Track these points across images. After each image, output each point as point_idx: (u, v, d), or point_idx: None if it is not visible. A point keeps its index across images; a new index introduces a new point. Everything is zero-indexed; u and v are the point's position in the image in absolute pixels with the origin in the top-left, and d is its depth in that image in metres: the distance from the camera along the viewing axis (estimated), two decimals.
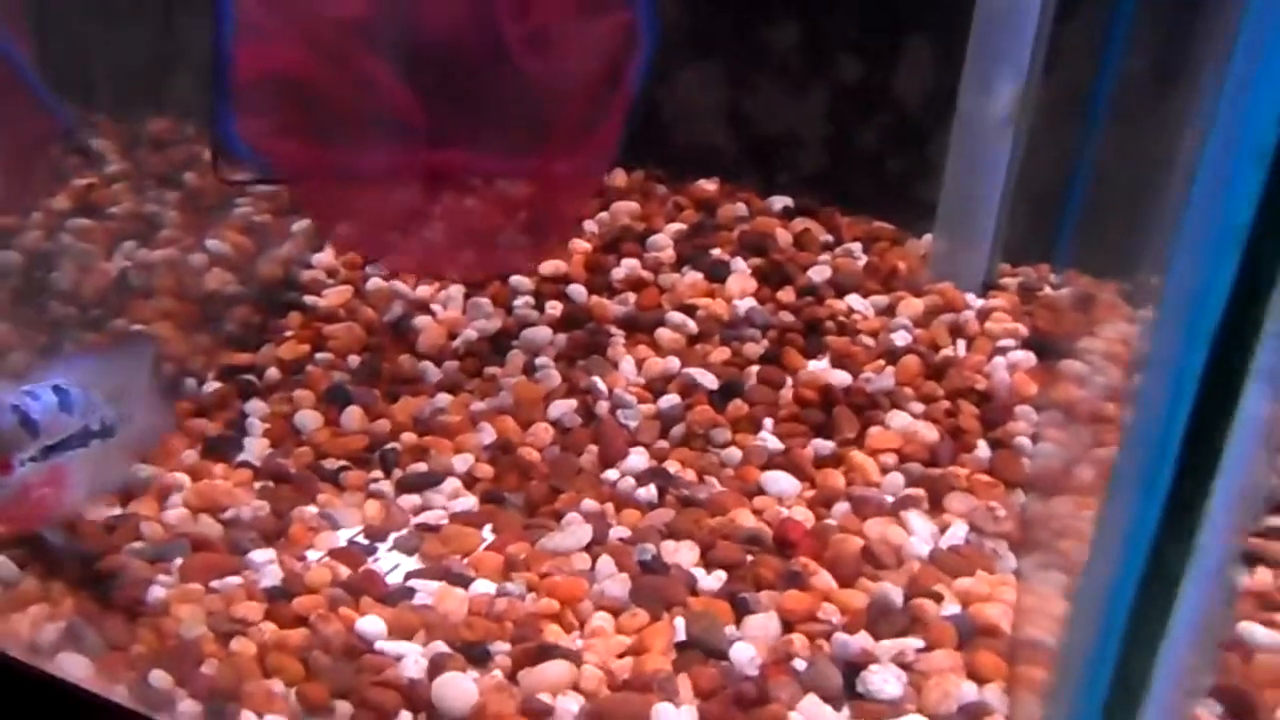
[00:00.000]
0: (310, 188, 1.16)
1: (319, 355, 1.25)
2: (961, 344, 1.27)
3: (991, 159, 1.32)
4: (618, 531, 1.03)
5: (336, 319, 1.30)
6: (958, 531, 1.05)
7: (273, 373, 1.22)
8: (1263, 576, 1.04)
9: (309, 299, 1.32)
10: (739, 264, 1.37)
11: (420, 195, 1.19)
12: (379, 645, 0.87)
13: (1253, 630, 0.96)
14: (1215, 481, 0.43)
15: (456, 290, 1.34)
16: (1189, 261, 0.43)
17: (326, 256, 1.38)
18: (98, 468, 0.89)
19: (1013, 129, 1.30)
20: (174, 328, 1.25)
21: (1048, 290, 1.36)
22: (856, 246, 1.41)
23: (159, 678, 0.83)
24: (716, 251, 1.39)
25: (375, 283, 1.35)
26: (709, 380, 1.22)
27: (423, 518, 1.05)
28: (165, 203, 1.40)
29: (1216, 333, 0.42)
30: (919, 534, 1.04)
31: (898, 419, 1.17)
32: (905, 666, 0.88)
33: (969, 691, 0.86)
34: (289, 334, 1.27)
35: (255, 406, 1.17)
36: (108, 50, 1.45)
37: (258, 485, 1.06)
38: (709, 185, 1.51)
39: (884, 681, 0.86)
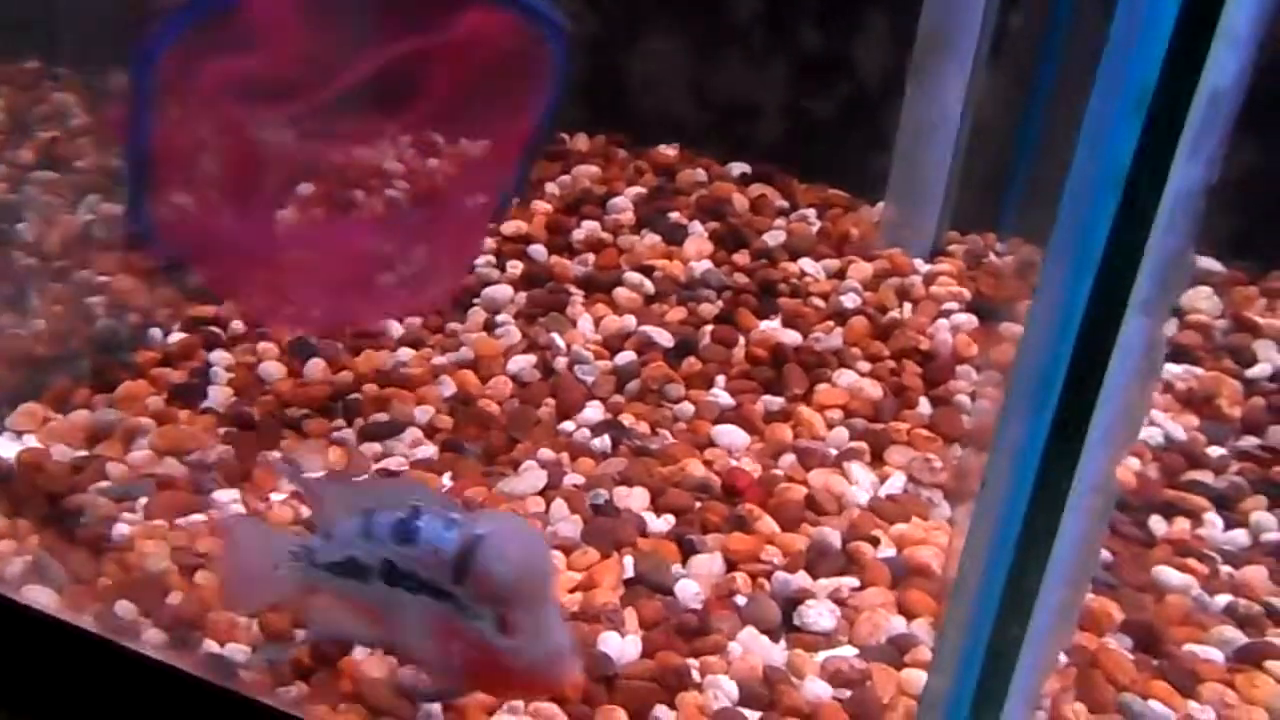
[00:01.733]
0: (211, 266, 1.11)
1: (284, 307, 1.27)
2: (908, 307, 1.32)
3: (941, 131, 1.37)
4: (572, 478, 1.07)
5: None
6: (896, 481, 1.10)
7: (237, 325, 1.24)
8: (1180, 526, 1.10)
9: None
10: (696, 227, 1.41)
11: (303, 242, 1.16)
12: None
13: (1167, 574, 1.02)
14: (1098, 402, 0.47)
15: (421, 250, 1.37)
16: (1077, 201, 0.48)
17: (289, 213, 1.40)
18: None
19: (962, 102, 1.34)
20: (137, 279, 1.26)
21: (992, 257, 1.42)
22: (811, 212, 1.45)
23: (124, 608, 0.86)
24: (675, 215, 1.43)
25: None
26: (665, 338, 1.26)
27: (383, 464, 1.09)
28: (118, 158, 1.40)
29: (1100, 264, 0.46)
30: (860, 483, 1.09)
31: (844, 377, 1.22)
32: (840, 602, 0.92)
33: (898, 625, 0.91)
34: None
35: (220, 357, 1.20)
36: (71, 2, 1.45)
37: (222, 431, 1.09)
38: (669, 151, 1.54)
39: (819, 615, 0.90)
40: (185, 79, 1.00)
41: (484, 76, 1.06)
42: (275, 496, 1.01)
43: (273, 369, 1.19)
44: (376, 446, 1.11)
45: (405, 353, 1.24)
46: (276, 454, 1.07)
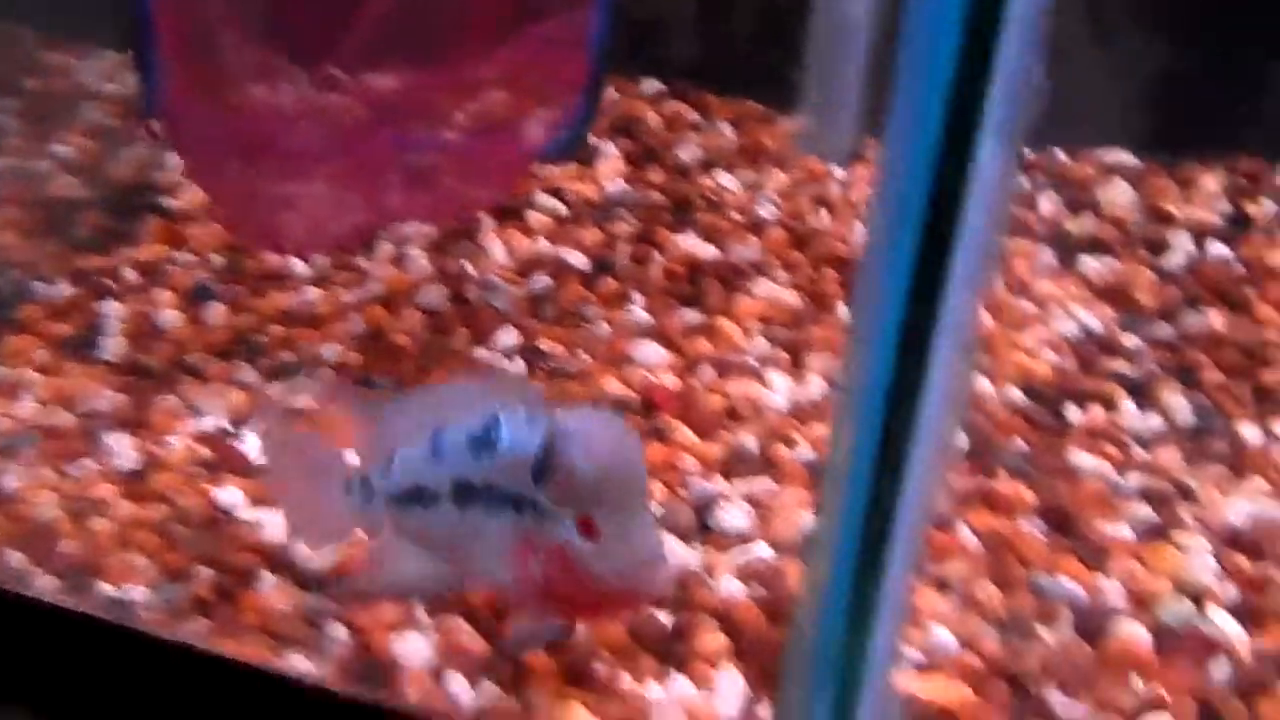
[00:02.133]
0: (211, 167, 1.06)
1: (179, 256, 1.23)
2: (825, 214, 1.31)
3: (851, 38, 1.34)
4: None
5: (196, 219, 1.28)
6: (816, 386, 1.09)
7: (130, 275, 1.20)
8: (1095, 413, 1.11)
9: (166, 201, 1.29)
10: (609, 147, 1.38)
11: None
12: (240, 514, 0.88)
13: (1081, 459, 1.03)
14: (955, 236, 0.46)
15: (321, 186, 1.32)
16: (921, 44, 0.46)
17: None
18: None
19: (869, 7, 1.32)
20: (19, 235, 1.21)
21: None
22: (726, 126, 1.43)
23: (15, 558, 0.83)
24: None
25: None
26: (580, 260, 1.23)
27: (291, 403, 1.06)
28: (5, 110, 1.34)
29: (950, 90, 0.44)
30: (778, 390, 1.08)
31: (763, 287, 1.21)
32: (756, 503, 0.92)
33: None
34: (146, 237, 1.25)
35: (112, 308, 1.15)
36: None
37: (116, 380, 1.05)
38: None
39: (732, 516, 0.90)
40: None
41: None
42: (173, 440, 0.98)
43: (170, 317, 1.15)
44: (282, 386, 1.08)
45: (311, 292, 1.20)
46: (175, 399, 1.04)
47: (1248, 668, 0.79)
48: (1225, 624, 0.83)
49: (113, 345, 1.10)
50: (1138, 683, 0.78)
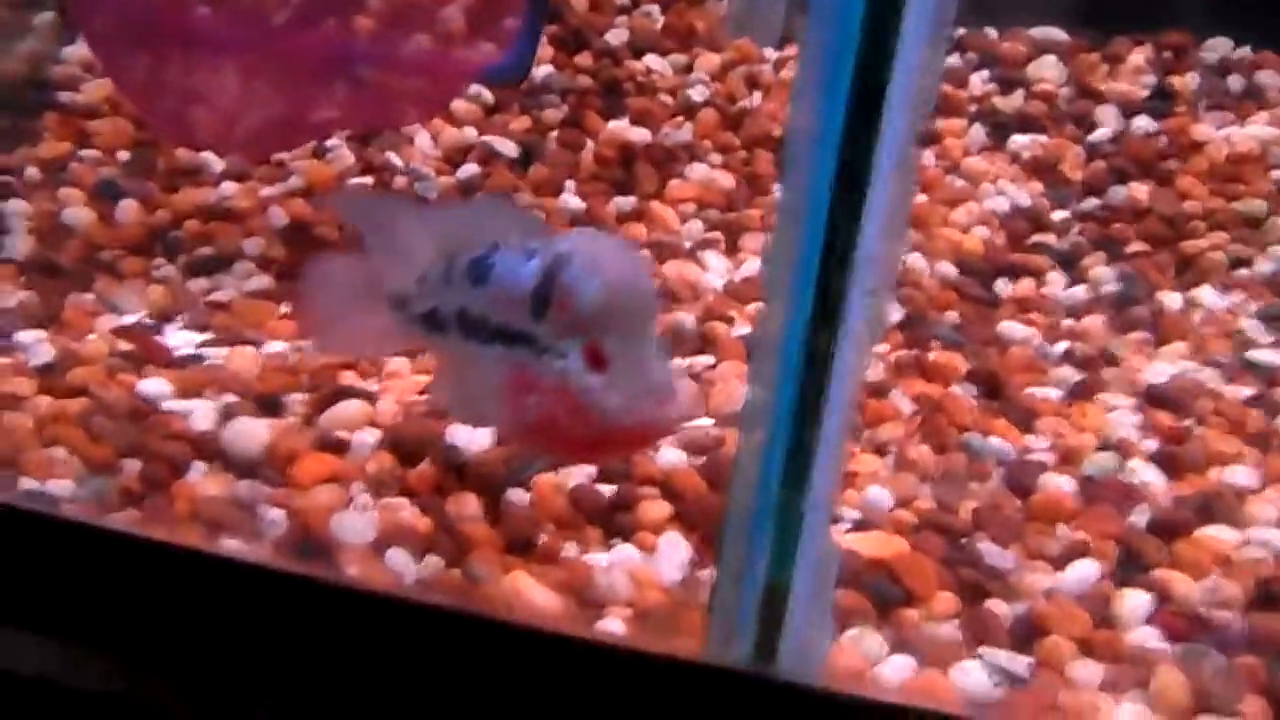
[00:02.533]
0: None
1: (84, 153, 1.17)
2: (758, 95, 1.29)
3: None
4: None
5: (99, 114, 1.21)
6: (751, 265, 1.09)
7: (32, 172, 1.13)
8: (1025, 285, 1.13)
9: (65, 96, 1.22)
10: None
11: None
12: (165, 405, 0.85)
13: (1011, 328, 1.05)
14: (892, 71, 0.45)
15: (234, 79, 1.26)
16: None
17: (80, 49, 1.27)
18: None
19: None
20: None
21: None
22: (654, 8, 1.39)
23: None
24: (511, 20, 1.34)
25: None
26: (508, 148, 1.20)
27: (213, 297, 1.02)
28: None
29: None
30: (715, 270, 1.08)
31: (696, 170, 1.19)
32: (695, 378, 0.92)
33: None
34: (46, 134, 1.18)
35: (16, 206, 1.09)
36: None
37: (22, 279, 1.00)
38: None
39: None
40: None
41: None
42: (91, 337, 0.94)
43: (78, 215, 1.09)
44: (204, 282, 1.04)
45: (229, 186, 1.15)
46: (90, 296, 1.00)
47: (1166, 512, 0.82)
48: (1146, 473, 0.86)
49: (19, 244, 1.05)
50: (1063, 530, 0.81)
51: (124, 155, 1.18)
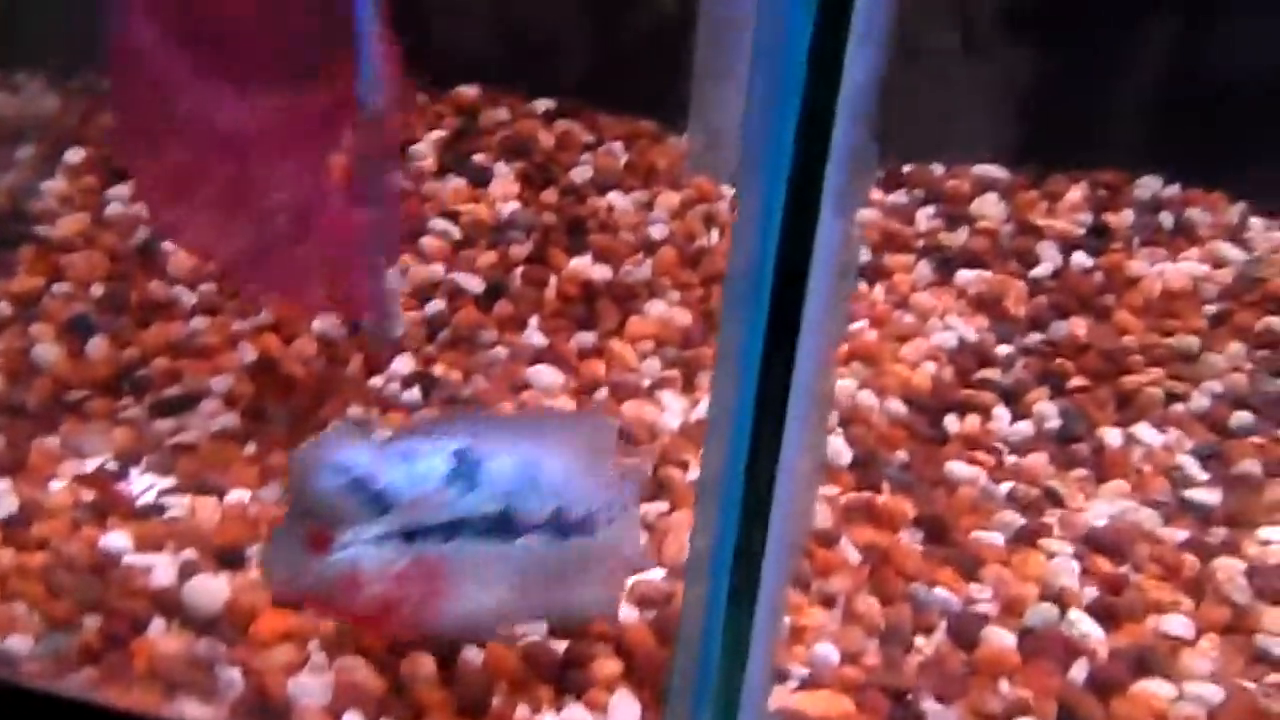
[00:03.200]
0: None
1: (56, 287, 1.19)
2: (715, 234, 1.34)
3: (736, 54, 1.37)
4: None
5: (74, 248, 1.24)
6: (707, 406, 1.12)
7: (2, 308, 1.16)
8: (971, 422, 1.17)
9: (42, 229, 1.25)
10: (502, 168, 1.38)
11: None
12: (126, 560, 0.87)
13: (958, 468, 1.09)
14: (806, 299, 0.49)
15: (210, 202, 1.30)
16: (763, 105, 0.49)
17: (59, 183, 1.31)
18: (540, 576, 0.68)
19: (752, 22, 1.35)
20: None
21: None
22: (618, 146, 1.45)
23: None
24: (479, 157, 1.40)
25: (116, 208, 1.29)
26: (474, 284, 1.24)
27: (178, 439, 1.04)
28: None
29: (791, 165, 0.47)
30: (671, 410, 1.11)
31: (655, 307, 1.23)
32: (648, 528, 0.94)
33: None
34: (20, 267, 1.21)
35: None
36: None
37: None
38: (470, 91, 1.50)
39: None
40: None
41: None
42: (55, 485, 0.96)
43: (47, 352, 1.11)
44: (170, 422, 1.06)
45: (200, 321, 1.18)
46: (54, 439, 1.01)
47: (1104, 666, 0.85)
48: (1085, 625, 0.89)
49: None
50: (1005, 687, 0.83)
51: (98, 289, 1.21)
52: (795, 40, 0.47)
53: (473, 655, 0.81)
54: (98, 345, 1.13)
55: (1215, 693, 0.83)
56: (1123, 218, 1.44)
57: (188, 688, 0.77)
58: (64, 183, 1.31)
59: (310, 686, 0.77)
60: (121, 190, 1.31)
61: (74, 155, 1.35)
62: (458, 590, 0.67)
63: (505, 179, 1.37)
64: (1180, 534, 1.01)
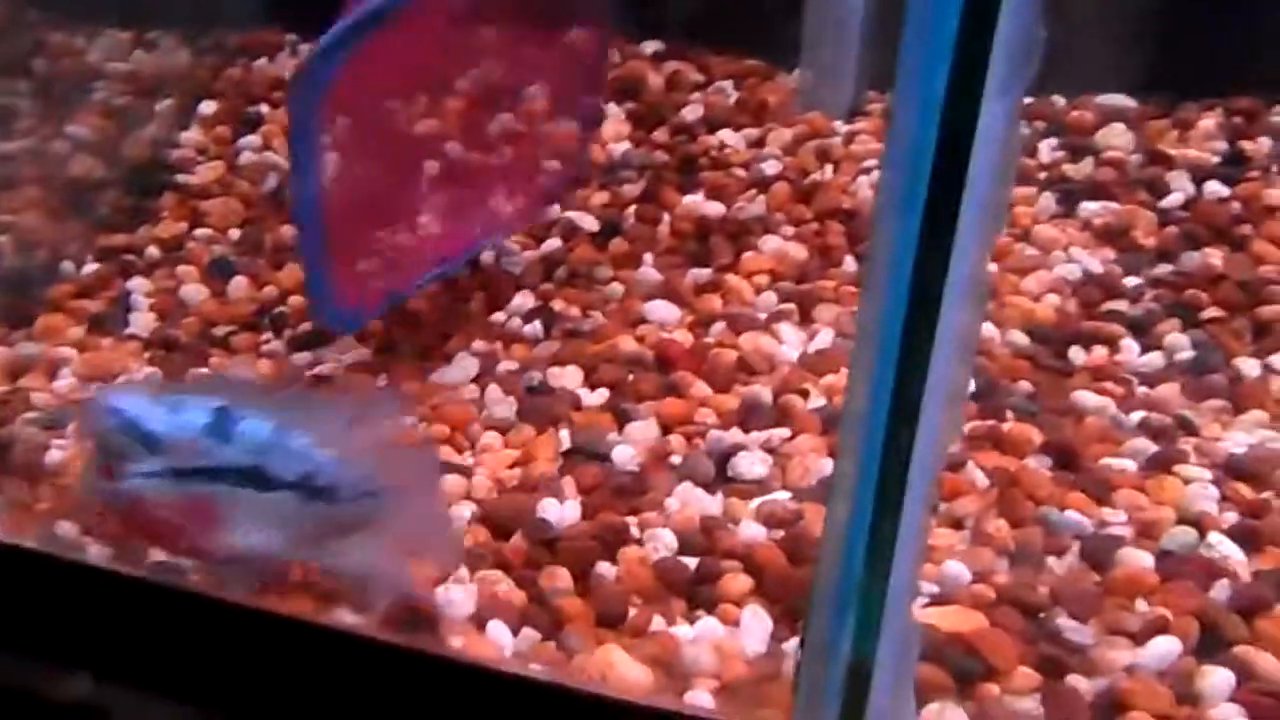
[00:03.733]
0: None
1: (198, 231, 1.26)
2: (829, 168, 1.33)
3: None
4: (506, 365, 1.08)
5: (212, 195, 1.30)
6: (825, 337, 1.12)
7: (153, 251, 1.22)
8: (1098, 353, 1.14)
9: (181, 178, 1.32)
10: (613, 109, 1.39)
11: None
12: None
13: (1085, 398, 1.06)
14: (964, 191, 0.49)
15: (334, 156, 1.34)
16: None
17: (195, 134, 1.37)
18: (297, 530, 0.76)
19: None
20: (42, 216, 1.24)
21: None
22: (727, 84, 1.44)
23: (64, 528, 0.87)
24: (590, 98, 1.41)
25: (248, 156, 1.35)
26: (589, 222, 1.26)
27: (317, 370, 1.09)
28: (18, 93, 1.36)
29: (955, 50, 0.46)
30: (789, 342, 1.11)
31: (770, 242, 1.23)
32: (772, 451, 0.95)
33: (827, 467, 0.94)
34: (165, 213, 1.27)
35: (138, 284, 1.18)
36: None
37: (147, 355, 1.09)
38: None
39: (751, 464, 0.93)
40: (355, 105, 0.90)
41: None
42: None
43: (194, 291, 1.18)
44: (308, 355, 1.11)
45: None
46: (206, 371, 1.07)
47: (1247, 588, 0.83)
48: (1226, 548, 0.87)
49: (142, 320, 1.14)
50: (1143, 606, 0.82)
51: (235, 233, 1.26)
52: None
53: (606, 570, 0.84)
54: (238, 285, 1.18)
55: None
56: (1259, 145, 1.37)
57: (341, 599, 0.82)
58: (199, 133, 1.37)
59: (457, 597, 0.81)
60: (253, 139, 1.37)
61: (207, 108, 1.42)
62: (229, 525, 0.76)
63: (616, 119, 1.38)
64: None
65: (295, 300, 1.17)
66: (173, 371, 1.06)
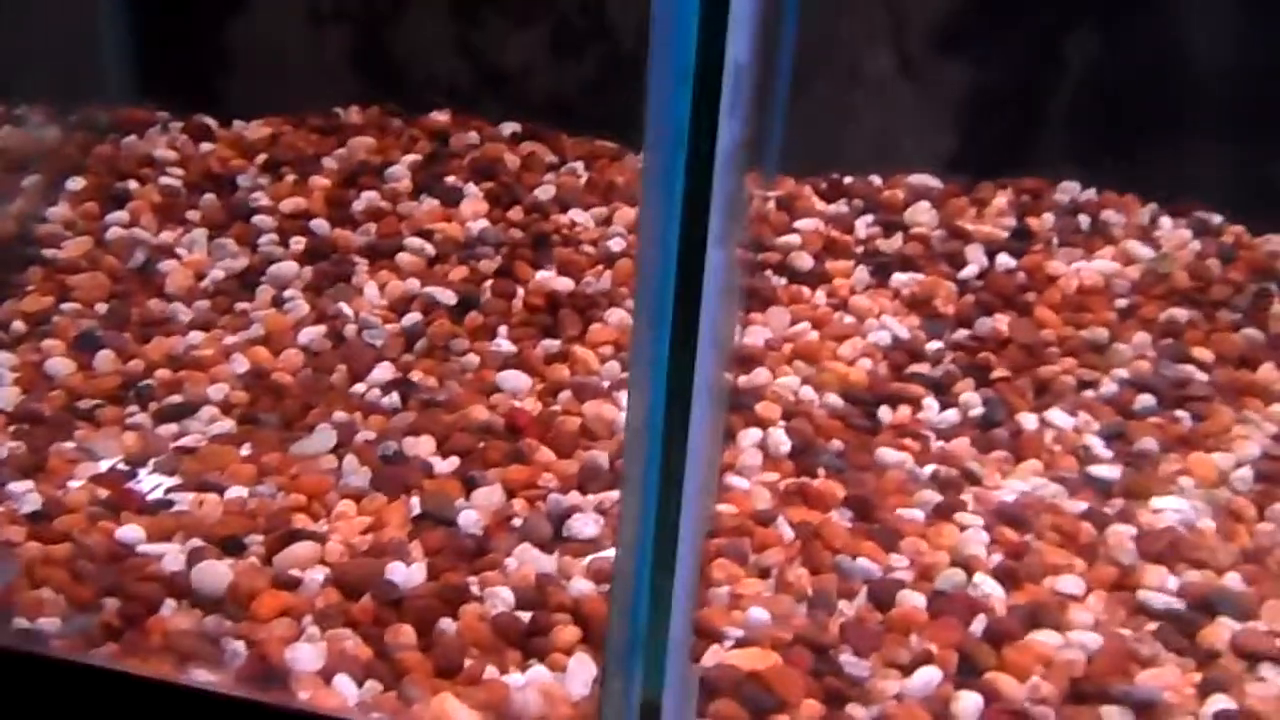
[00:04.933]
0: None
1: (65, 305, 1.30)
2: None
3: None
4: (364, 434, 1.16)
5: (79, 269, 1.35)
6: None
7: (18, 325, 1.26)
8: (902, 412, 1.29)
9: (48, 252, 1.36)
10: (472, 188, 1.50)
11: None
12: (140, 549, 0.98)
13: (886, 454, 1.21)
14: (700, 316, 0.61)
15: (199, 233, 1.41)
16: (655, 154, 0.60)
17: (62, 209, 1.42)
18: None
19: None
20: None
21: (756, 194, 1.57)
22: (579, 165, 1.57)
23: None
24: (451, 178, 1.51)
25: (115, 231, 1.40)
26: (448, 297, 1.36)
27: (181, 442, 1.15)
28: None
29: (681, 208, 0.58)
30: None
31: (614, 315, 1.35)
32: (604, 513, 1.06)
33: None
34: (31, 288, 1.31)
35: (2, 358, 1.22)
36: None
37: (11, 429, 1.13)
38: (441, 116, 1.62)
39: (584, 524, 1.04)
40: None
41: None
42: (72, 484, 1.07)
43: (59, 365, 1.22)
44: (173, 427, 1.17)
45: (196, 336, 1.29)
46: (70, 444, 1.12)
47: (1000, 620, 0.97)
48: (988, 586, 1.01)
49: (7, 394, 1.18)
50: (914, 640, 0.95)
51: (102, 307, 1.31)
52: (676, 112, 0.58)
53: (448, 625, 0.93)
54: (105, 358, 1.24)
55: (1095, 640, 0.95)
56: (1044, 221, 1.57)
57: (198, 659, 0.88)
58: (67, 209, 1.42)
59: (306, 654, 0.88)
60: (121, 215, 1.42)
61: (75, 183, 1.46)
62: None
63: (475, 199, 1.49)
64: (1081, 505, 1.14)
65: (162, 374, 1.23)
66: (37, 446, 1.11)
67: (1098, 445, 1.24)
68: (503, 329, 1.32)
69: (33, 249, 1.36)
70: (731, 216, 0.60)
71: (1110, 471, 1.19)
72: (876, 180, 1.63)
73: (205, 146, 1.55)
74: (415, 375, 1.25)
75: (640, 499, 0.66)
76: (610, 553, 1.02)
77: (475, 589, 0.97)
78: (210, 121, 1.58)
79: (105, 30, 1.57)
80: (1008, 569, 1.04)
